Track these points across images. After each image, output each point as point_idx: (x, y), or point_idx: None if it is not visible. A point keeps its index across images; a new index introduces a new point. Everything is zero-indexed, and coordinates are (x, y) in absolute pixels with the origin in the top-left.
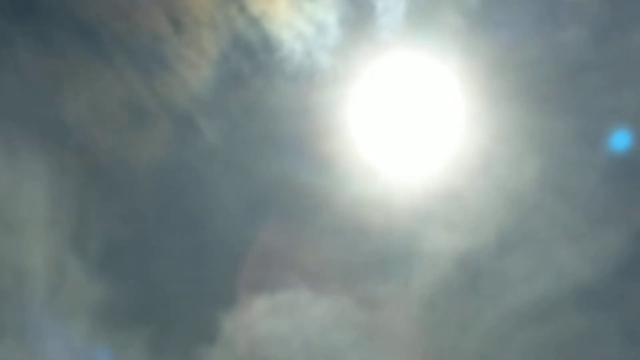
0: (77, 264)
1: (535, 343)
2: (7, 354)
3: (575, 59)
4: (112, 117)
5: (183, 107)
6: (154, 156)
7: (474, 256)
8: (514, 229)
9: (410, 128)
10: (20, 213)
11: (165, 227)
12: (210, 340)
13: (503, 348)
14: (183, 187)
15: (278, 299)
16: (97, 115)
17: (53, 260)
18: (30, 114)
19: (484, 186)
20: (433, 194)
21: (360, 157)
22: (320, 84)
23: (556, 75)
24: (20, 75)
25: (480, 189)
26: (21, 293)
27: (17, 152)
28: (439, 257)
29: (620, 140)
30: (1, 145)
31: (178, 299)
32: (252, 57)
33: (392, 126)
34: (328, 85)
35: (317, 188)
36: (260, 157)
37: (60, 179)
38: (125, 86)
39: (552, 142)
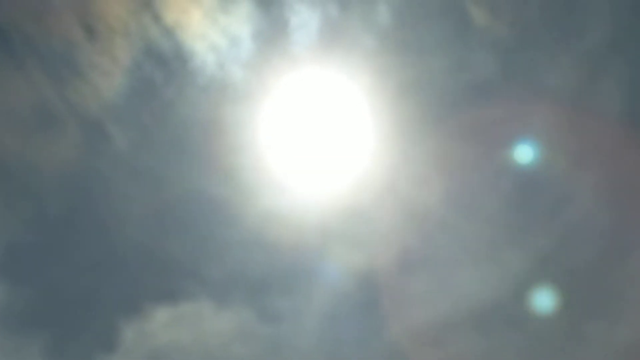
0: None
1: None
2: None
3: (483, 81)
4: (21, 121)
5: (93, 114)
6: (62, 161)
7: (377, 274)
8: (417, 248)
9: (319, 145)
10: None
11: (69, 233)
12: (110, 349)
13: None
14: (90, 193)
15: (180, 309)
16: (6, 119)
17: None
18: None
19: (390, 205)
20: (339, 211)
21: (268, 172)
22: (231, 96)
23: (464, 97)
24: None
25: (386, 208)
26: None
27: None
28: (343, 273)
29: (522, 168)
30: None
31: (79, 305)
32: (164, 67)
33: (302, 143)
34: (239, 98)
35: (225, 200)
36: (169, 166)
37: None
38: (35, 91)
39: (458, 164)
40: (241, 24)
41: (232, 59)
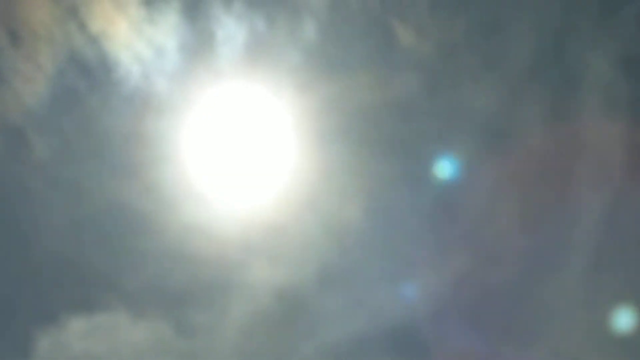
0: None
1: None
2: None
3: (406, 99)
4: None
5: (14, 121)
6: None
7: (295, 290)
8: (334, 266)
9: (241, 160)
10: None
11: None
12: (24, 358)
13: None
14: (8, 201)
15: (96, 320)
16: None
17: None
18: None
19: (309, 222)
20: (259, 226)
21: (190, 184)
22: (155, 108)
23: (386, 114)
24: None
25: (306, 225)
26: None
27: None
28: (261, 288)
29: (443, 187)
30: None
31: None
32: (88, 76)
33: (224, 156)
34: (163, 110)
35: (145, 212)
36: (89, 176)
37: None
38: None
39: (377, 184)
40: (167, 36)
41: (157, 70)
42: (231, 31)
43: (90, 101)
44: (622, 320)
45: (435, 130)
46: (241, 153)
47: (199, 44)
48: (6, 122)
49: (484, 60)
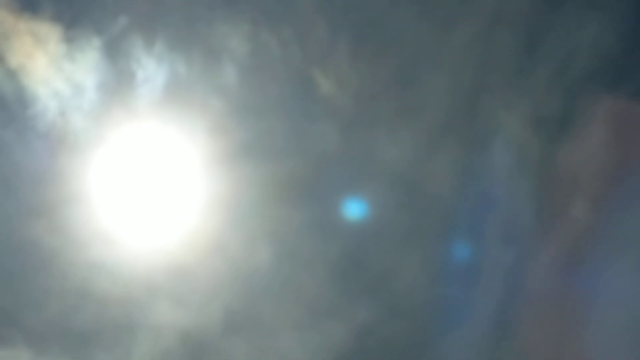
0: None
1: None
2: None
3: (321, 152)
4: None
5: None
6: None
7: (200, 334)
8: (240, 311)
9: (151, 201)
10: None
11: None
12: None
13: None
14: None
15: None
16: None
17: None
18: None
19: (215, 267)
20: (165, 268)
21: (98, 224)
22: (69, 145)
23: (300, 165)
24: None
25: (212, 269)
26: None
27: None
28: (164, 330)
29: (353, 235)
30: None
31: None
32: (4, 109)
33: (135, 197)
34: (77, 148)
35: (51, 250)
36: None
37: None
38: None
39: (286, 232)
40: (86, 73)
41: (74, 107)
42: (151, 72)
43: (4, 135)
44: None
45: (348, 179)
46: (152, 194)
47: (118, 83)
48: None
49: (400, 113)
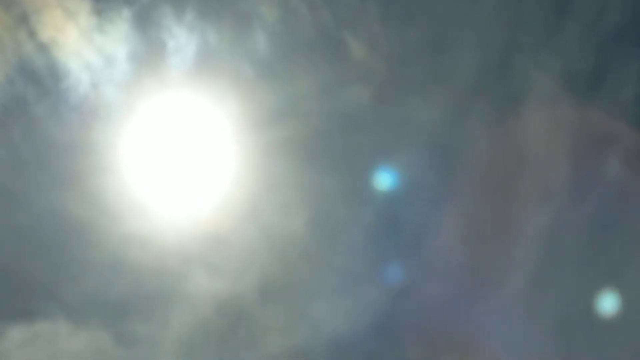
0: None
1: None
2: None
3: (352, 117)
4: None
5: None
6: None
7: (236, 301)
8: (276, 278)
9: (185, 170)
10: None
11: None
12: None
13: None
14: None
15: (35, 329)
16: None
17: None
18: None
19: (251, 234)
20: (200, 237)
21: (131, 195)
22: (102, 117)
23: (332, 130)
24: None
25: (247, 236)
26: None
27: None
28: (201, 299)
29: (385, 200)
30: None
31: None
32: (37, 84)
33: (168, 167)
34: (110, 119)
35: (86, 222)
36: (31, 185)
37: None
38: None
39: (320, 196)
40: (117, 45)
41: (106, 79)
42: (182, 41)
43: (37, 109)
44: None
45: (380, 143)
46: (186, 163)
47: (149, 54)
48: None
49: (430, 75)
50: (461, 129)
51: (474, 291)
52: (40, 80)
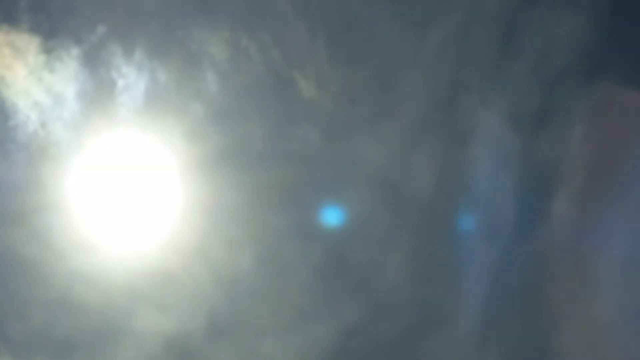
0: None
1: None
2: None
3: (301, 155)
4: None
5: None
6: None
7: (184, 339)
8: (225, 315)
9: (133, 209)
10: None
11: None
12: None
13: None
14: None
15: None
16: None
17: None
18: None
19: (198, 271)
20: (147, 274)
21: (78, 233)
22: (51, 155)
23: (281, 168)
24: None
25: (195, 273)
26: None
27: None
28: (148, 337)
29: (334, 237)
30: None
31: None
32: None
33: (116, 205)
34: (59, 157)
35: (32, 260)
36: None
37: None
38: None
39: (269, 234)
40: (66, 83)
41: (54, 117)
42: (131, 80)
43: None
44: None
45: (329, 181)
46: (133, 201)
47: (98, 92)
48: None
49: (379, 114)
50: (409, 166)
51: (425, 329)
52: None
